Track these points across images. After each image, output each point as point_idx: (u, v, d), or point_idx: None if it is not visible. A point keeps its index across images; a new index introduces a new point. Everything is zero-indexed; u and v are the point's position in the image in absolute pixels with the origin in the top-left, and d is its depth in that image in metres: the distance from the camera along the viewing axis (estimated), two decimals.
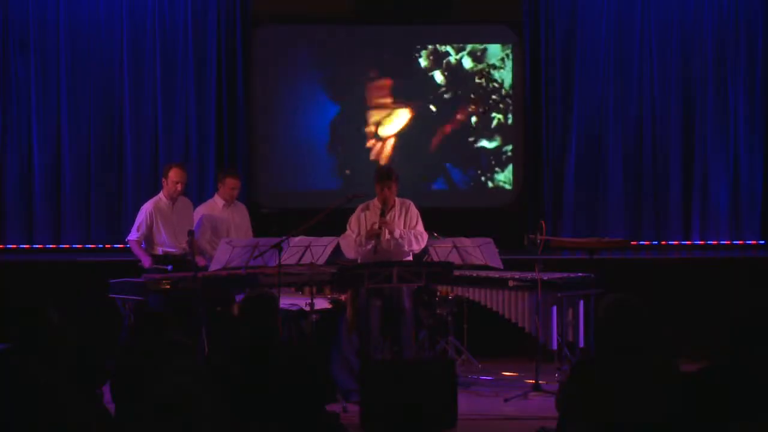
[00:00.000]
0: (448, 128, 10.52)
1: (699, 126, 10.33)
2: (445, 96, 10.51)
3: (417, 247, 7.78)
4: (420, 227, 7.78)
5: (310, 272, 7.37)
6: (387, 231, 7.59)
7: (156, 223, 7.98)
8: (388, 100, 10.50)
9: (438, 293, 8.19)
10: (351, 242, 7.67)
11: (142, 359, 4.01)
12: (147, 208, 8.05)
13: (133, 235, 8.03)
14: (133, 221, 8.23)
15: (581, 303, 7.82)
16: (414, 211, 7.81)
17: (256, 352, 4.72)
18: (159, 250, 8.00)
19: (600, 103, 10.39)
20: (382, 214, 7.61)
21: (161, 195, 8.11)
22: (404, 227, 7.72)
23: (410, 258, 7.88)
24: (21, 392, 2.99)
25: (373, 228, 7.57)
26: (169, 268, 7.79)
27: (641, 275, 9.12)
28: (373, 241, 7.54)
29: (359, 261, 7.77)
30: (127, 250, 9.74)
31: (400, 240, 7.63)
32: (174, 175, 8.00)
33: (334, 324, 7.79)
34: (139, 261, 8.01)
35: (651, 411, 4.16)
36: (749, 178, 10.34)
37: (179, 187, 8.04)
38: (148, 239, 8.00)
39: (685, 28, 10.37)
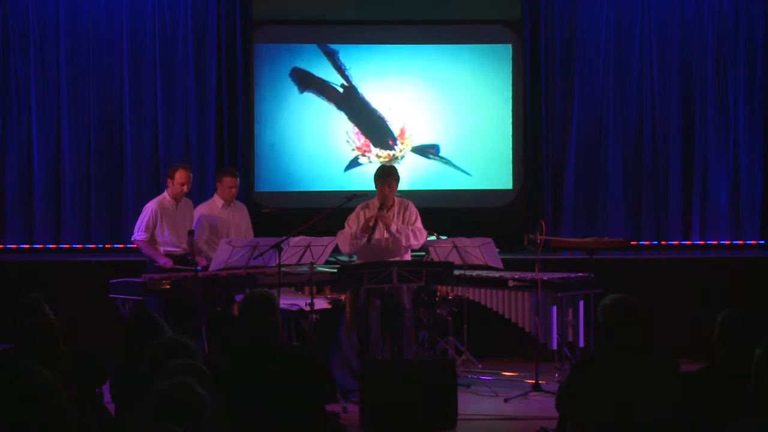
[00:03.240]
0: None
1: (699, 126, 10.34)
2: None
3: (415, 243, 7.77)
4: (419, 224, 7.78)
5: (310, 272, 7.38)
6: (383, 225, 7.60)
7: (160, 222, 7.96)
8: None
9: (438, 293, 8.19)
10: (347, 237, 7.68)
11: (142, 359, 4.01)
12: (151, 207, 8.00)
13: (141, 236, 7.93)
14: (134, 221, 8.21)
15: (581, 303, 7.83)
16: (413, 210, 7.82)
17: (256, 352, 4.72)
18: (160, 250, 7.98)
19: (600, 103, 10.40)
20: (381, 209, 7.62)
21: (165, 195, 8.09)
22: (403, 224, 7.73)
23: (409, 257, 7.89)
24: (21, 392, 2.98)
25: (370, 219, 7.58)
26: (199, 268, 7.50)
27: (641, 275, 9.12)
28: (367, 234, 7.53)
29: (356, 257, 7.79)
30: (128, 251, 9.78)
31: (397, 234, 7.63)
32: (180, 176, 7.98)
33: (334, 324, 7.79)
34: (155, 261, 7.85)
35: (651, 411, 4.16)
36: (749, 178, 10.35)
37: (185, 188, 8.03)
38: (151, 239, 7.98)
39: (685, 28, 10.37)
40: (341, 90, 10.43)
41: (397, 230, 7.65)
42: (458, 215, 10.07)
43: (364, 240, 7.54)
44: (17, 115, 10.06)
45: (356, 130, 10.44)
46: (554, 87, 10.42)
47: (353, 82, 10.45)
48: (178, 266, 7.72)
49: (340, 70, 10.43)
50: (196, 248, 7.64)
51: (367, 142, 10.44)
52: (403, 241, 7.67)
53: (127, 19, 10.12)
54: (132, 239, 8.11)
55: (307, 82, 10.40)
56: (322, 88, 10.43)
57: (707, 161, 10.35)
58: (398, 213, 7.77)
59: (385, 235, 7.68)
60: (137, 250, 8.32)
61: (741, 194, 10.37)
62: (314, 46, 10.43)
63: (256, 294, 4.96)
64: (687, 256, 9.97)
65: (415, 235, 7.72)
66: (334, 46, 10.43)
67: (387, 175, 7.73)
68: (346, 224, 7.76)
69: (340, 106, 10.44)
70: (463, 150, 10.53)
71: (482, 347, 8.56)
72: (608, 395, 4.19)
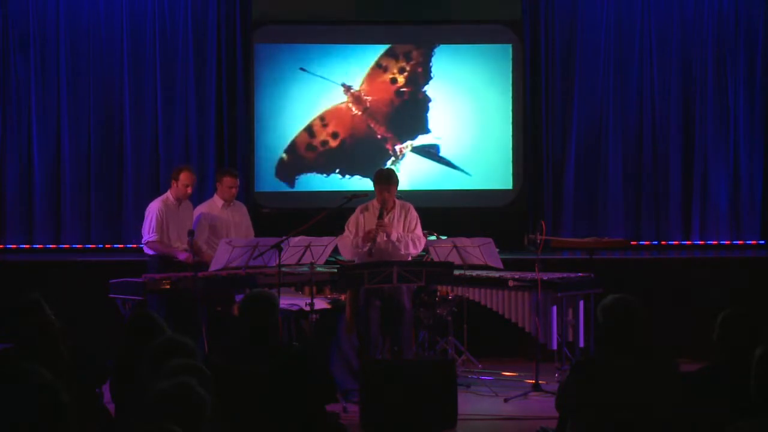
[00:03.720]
0: None
1: (699, 126, 10.33)
2: None
3: (414, 251, 7.79)
4: (418, 231, 7.78)
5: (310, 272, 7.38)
6: (384, 234, 7.59)
7: (165, 222, 7.96)
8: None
9: (438, 293, 8.19)
10: (348, 243, 7.68)
11: (142, 359, 4.01)
12: (157, 206, 7.98)
13: (153, 236, 7.89)
14: (134, 221, 8.20)
15: (581, 303, 7.83)
16: (414, 215, 7.81)
17: (256, 351, 4.72)
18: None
19: (600, 103, 10.39)
20: (380, 216, 7.62)
21: (169, 195, 8.08)
22: (403, 230, 7.72)
23: (409, 257, 7.89)
24: (21, 392, 2.99)
25: (371, 231, 7.58)
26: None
27: (641, 275, 9.12)
28: (369, 244, 7.54)
29: (356, 258, 7.80)
30: (128, 251, 9.79)
31: (397, 243, 7.64)
32: (185, 177, 7.99)
33: (334, 324, 7.80)
34: (174, 257, 7.83)
35: (651, 411, 4.16)
36: (749, 178, 10.34)
37: (189, 190, 8.03)
38: (161, 238, 7.95)
39: (685, 28, 10.37)
40: (343, 89, 10.43)
41: (398, 239, 7.65)
42: (458, 215, 10.06)
43: (365, 249, 7.54)
44: (17, 115, 10.05)
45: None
46: (554, 87, 10.42)
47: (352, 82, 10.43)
48: (200, 262, 7.67)
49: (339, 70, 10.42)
50: (196, 248, 7.63)
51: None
52: (402, 250, 7.66)
53: (127, 19, 10.11)
54: (144, 242, 8.03)
55: None
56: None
57: (707, 161, 10.35)
58: (399, 216, 7.76)
59: (384, 239, 7.66)
60: (137, 250, 8.32)
61: (741, 194, 10.36)
62: (314, 46, 10.43)
63: (256, 294, 4.96)
64: (687, 256, 9.96)
65: (414, 244, 7.73)
66: (333, 46, 10.42)
67: (386, 180, 7.72)
68: (345, 228, 7.75)
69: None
70: (463, 150, 10.53)
71: (482, 347, 8.56)
72: (608, 395, 4.19)
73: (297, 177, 10.43)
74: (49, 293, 5.69)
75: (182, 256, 7.78)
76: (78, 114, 10.12)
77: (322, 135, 10.43)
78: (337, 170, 10.42)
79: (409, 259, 7.79)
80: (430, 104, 10.50)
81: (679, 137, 10.37)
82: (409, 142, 10.47)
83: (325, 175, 10.42)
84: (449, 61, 10.50)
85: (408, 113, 10.49)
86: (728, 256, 9.95)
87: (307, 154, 10.41)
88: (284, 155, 10.39)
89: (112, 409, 4.74)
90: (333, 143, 10.45)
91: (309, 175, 10.42)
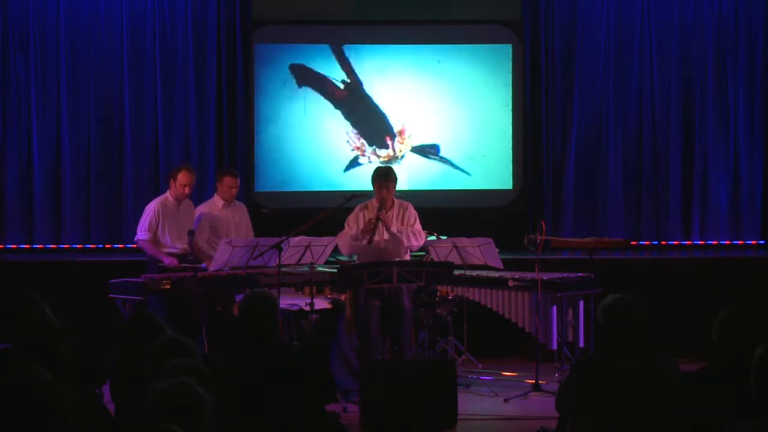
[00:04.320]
0: None
1: (699, 126, 10.33)
2: None
3: (416, 243, 7.79)
4: (418, 226, 7.80)
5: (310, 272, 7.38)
6: (384, 226, 7.60)
7: (162, 222, 7.96)
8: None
9: (438, 293, 8.19)
10: (347, 238, 7.69)
11: (142, 359, 4.01)
12: (153, 207, 7.98)
13: (144, 235, 7.91)
14: (134, 221, 8.20)
15: (581, 303, 7.83)
16: (412, 212, 7.83)
17: (256, 351, 4.72)
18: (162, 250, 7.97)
19: (600, 103, 10.39)
20: (381, 209, 7.63)
21: (168, 195, 8.09)
22: (403, 226, 7.74)
23: (408, 257, 7.89)
24: (21, 392, 2.99)
25: (370, 222, 7.58)
26: (203, 265, 7.62)
27: (641, 275, 9.13)
28: (368, 236, 7.54)
29: (356, 258, 7.79)
30: (128, 251, 9.79)
31: (397, 234, 7.64)
32: (183, 177, 7.98)
33: (334, 324, 7.80)
34: (159, 261, 7.82)
35: (651, 411, 4.16)
36: (749, 178, 10.34)
37: (187, 190, 8.03)
38: (153, 239, 7.96)
39: (685, 28, 10.37)
40: (342, 86, 10.44)
41: (398, 230, 7.67)
42: (458, 215, 10.07)
43: (365, 241, 7.55)
44: (17, 115, 10.05)
45: (354, 130, 10.45)
46: (554, 87, 10.42)
47: (358, 77, 10.43)
48: (184, 265, 7.67)
49: (346, 65, 10.41)
50: (196, 247, 7.63)
51: (363, 142, 10.45)
52: (405, 241, 7.68)
53: (127, 19, 10.11)
54: (135, 239, 8.09)
55: (306, 78, 10.40)
56: (322, 84, 10.42)
57: (707, 161, 10.35)
58: (397, 215, 7.77)
59: (385, 236, 7.68)
60: (137, 250, 8.32)
61: (741, 194, 10.36)
62: (314, 46, 10.43)
63: (256, 294, 4.96)
64: (687, 256, 9.96)
65: (415, 237, 7.75)
66: (333, 46, 10.44)
67: (384, 177, 7.73)
68: (345, 225, 7.77)
69: (337, 106, 10.44)
70: (463, 150, 10.53)
71: (482, 347, 8.56)
72: (608, 395, 4.19)
73: None
74: (49, 293, 5.69)
75: (167, 261, 7.77)
76: (78, 114, 10.12)
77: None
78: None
79: (410, 253, 7.80)
80: (431, 104, 10.47)
81: (679, 137, 10.37)
82: (409, 142, 10.46)
83: None
84: (449, 61, 10.49)
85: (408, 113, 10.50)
86: (728, 256, 9.95)
87: None
88: None
89: (112, 409, 4.74)
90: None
91: None
